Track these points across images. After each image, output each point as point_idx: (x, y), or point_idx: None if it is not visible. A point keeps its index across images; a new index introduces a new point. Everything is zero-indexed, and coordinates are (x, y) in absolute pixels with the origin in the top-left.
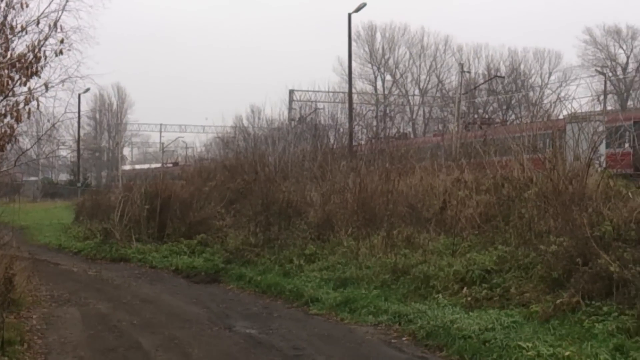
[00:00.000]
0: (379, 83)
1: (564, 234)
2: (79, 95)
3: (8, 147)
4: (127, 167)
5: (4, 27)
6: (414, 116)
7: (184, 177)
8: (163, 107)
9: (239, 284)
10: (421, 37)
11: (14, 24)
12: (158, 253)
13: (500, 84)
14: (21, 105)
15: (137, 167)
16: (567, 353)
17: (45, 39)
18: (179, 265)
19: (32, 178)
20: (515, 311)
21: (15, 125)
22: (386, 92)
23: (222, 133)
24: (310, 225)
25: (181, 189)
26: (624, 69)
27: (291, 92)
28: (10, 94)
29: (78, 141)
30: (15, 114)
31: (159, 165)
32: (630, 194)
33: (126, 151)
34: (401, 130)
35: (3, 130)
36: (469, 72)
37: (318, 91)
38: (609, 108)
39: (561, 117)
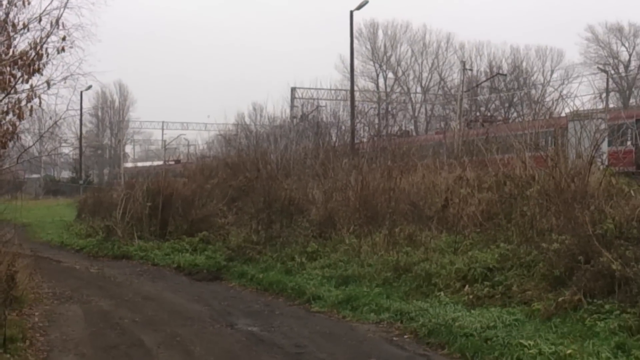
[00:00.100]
0: (381, 81)
1: (566, 232)
2: (81, 92)
3: (10, 144)
4: (129, 165)
5: (6, 25)
6: (416, 114)
7: (186, 175)
8: (165, 105)
9: (241, 281)
10: (423, 34)
11: (15, 21)
12: (160, 250)
13: (502, 82)
14: (23, 103)
15: (139, 164)
16: (568, 351)
17: (47, 36)
18: (181, 263)
19: (35, 175)
20: (517, 309)
21: (17, 123)
22: (388, 89)
23: (224, 130)
24: (312, 222)
25: (183, 187)
26: (626, 67)
27: (293, 89)
28: (13, 91)
29: (80, 139)
30: (17, 111)
31: (161, 162)
32: (632, 191)
33: (128, 149)
34: (403, 128)
35: (5, 127)
36: (471, 69)
37: (320, 89)
38: (611, 106)
39: (563, 114)
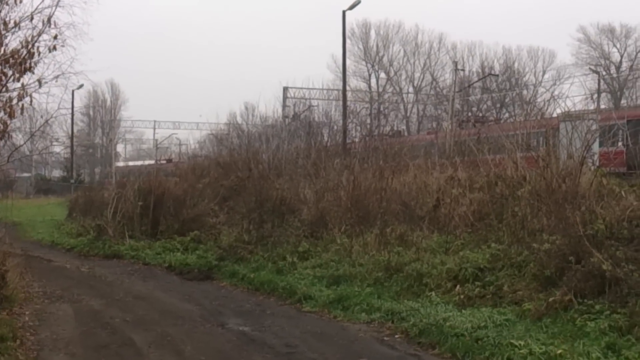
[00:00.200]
0: (373, 81)
1: (557, 232)
2: (73, 91)
3: (1, 143)
4: (121, 164)
5: None
6: (408, 114)
7: (178, 174)
8: (157, 104)
9: (232, 281)
10: (415, 34)
11: (7, 19)
12: (151, 250)
13: (494, 82)
14: (14, 101)
15: (131, 163)
16: (559, 351)
17: (39, 34)
18: (172, 262)
19: (25, 174)
20: (508, 309)
21: (8, 121)
22: (380, 89)
23: (215, 130)
24: (304, 222)
25: (175, 186)
26: (618, 68)
27: (285, 89)
28: (4, 89)
29: (71, 137)
30: (8, 109)
31: (152, 162)
32: (623, 192)
33: (120, 148)
34: (395, 128)
35: None
36: (463, 70)
37: (312, 88)
38: (602, 107)
39: (555, 115)
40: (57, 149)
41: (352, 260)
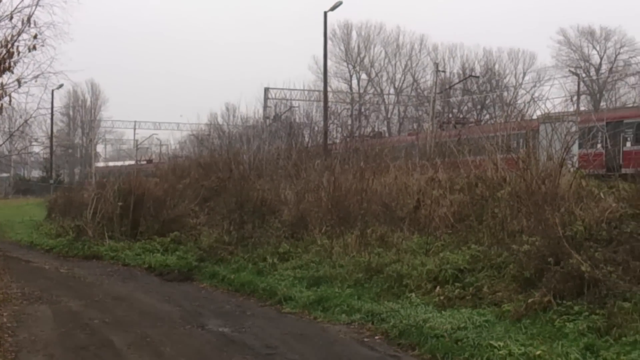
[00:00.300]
0: (355, 82)
1: (537, 234)
2: (52, 91)
3: None
4: (101, 164)
5: None
6: (389, 115)
7: (158, 175)
8: (137, 104)
9: (212, 282)
10: (397, 36)
11: None
12: (131, 251)
13: (475, 84)
14: None
15: (111, 164)
16: (538, 352)
17: (19, 34)
18: (152, 263)
19: (4, 174)
20: (488, 310)
21: None
22: (361, 90)
23: (196, 131)
24: (284, 223)
25: (155, 187)
26: (597, 70)
27: (266, 90)
28: None
29: (51, 138)
30: None
31: (132, 162)
32: (602, 194)
33: (100, 148)
34: (376, 129)
35: None
36: (444, 71)
37: (293, 89)
38: (582, 109)
39: (535, 117)
40: (36, 149)
41: (333, 261)
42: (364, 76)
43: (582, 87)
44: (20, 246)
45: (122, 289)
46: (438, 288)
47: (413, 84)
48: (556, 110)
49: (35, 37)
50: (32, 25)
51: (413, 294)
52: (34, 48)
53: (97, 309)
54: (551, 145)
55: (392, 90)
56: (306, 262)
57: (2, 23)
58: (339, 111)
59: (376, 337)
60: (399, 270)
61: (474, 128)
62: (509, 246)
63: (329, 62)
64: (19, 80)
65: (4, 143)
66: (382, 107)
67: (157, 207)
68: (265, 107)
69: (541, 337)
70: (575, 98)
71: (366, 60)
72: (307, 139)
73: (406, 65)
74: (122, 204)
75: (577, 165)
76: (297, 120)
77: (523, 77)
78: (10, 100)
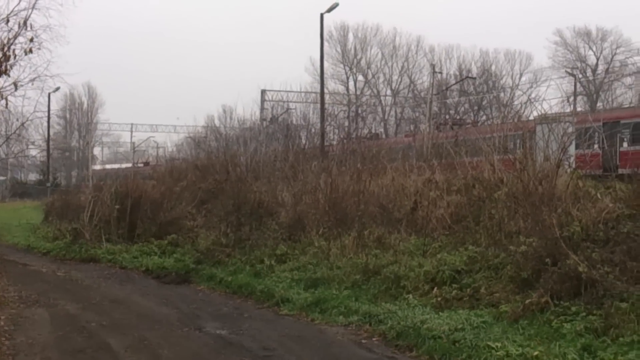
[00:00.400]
0: (351, 83)
1: (534, 235)
2: (49, 94)
3: None
4: (98, 167)
5: None
6: (386, 116)
7: (155, 177)
8: (136, 105)
9: (210, 284)
10: (393, 37)
11: None
12: (128, 253)
13: (471, 85)
14: None
15: (108, 167)
16: (535, 353)
17: (15, 37)
18: (149, 266)
19: (1, 178)
20: (485, 311)
21: None
22: (358, 92)
23: (193, 133)
24: (282, 225)
25: (152, 189)
26: (594, 71)
27: (263, 92)
28: None
29: (48, 141)
30: None
31: (129, 165)
32: (599, 194)
33: (96, 151)
34: (373, 131)
35: None
36: (441, 72)
37: (290, 91)
38: (578, 109)
39: (531, 118)
40: (33, 152)
41: (330, 263)
42: (360, 78)
43: (579, 88)
44: (17, 249)
45: (120, 292)
46: (435, 289)
47: (410, 86)
48: (553, 111)
49: (31, 40)
50: (28, 28)
51: (410, 296)
52: (31, 51)
53: (95, 312)
54: (548, 146)
55: (388, 92)
56: (303, 264)
57: None
58: (336, 113)
59: (374, 339)
60: (397, 272)
61: (471, 129)
62: (506, 247)
63: (326, 64)
64: (15, 84)
65: (0, 146)
66: (379, 109)
67: (154, 210)
68: (262, 109)
69: (539, 338)
70: (571, 99)
71: (363, 62)
72: (304, 141)
73: (403, 67)
74: (119, 207)
75: (574, 165)
76: (294, 122)
77: (520, 78)
78: (6, 104)
